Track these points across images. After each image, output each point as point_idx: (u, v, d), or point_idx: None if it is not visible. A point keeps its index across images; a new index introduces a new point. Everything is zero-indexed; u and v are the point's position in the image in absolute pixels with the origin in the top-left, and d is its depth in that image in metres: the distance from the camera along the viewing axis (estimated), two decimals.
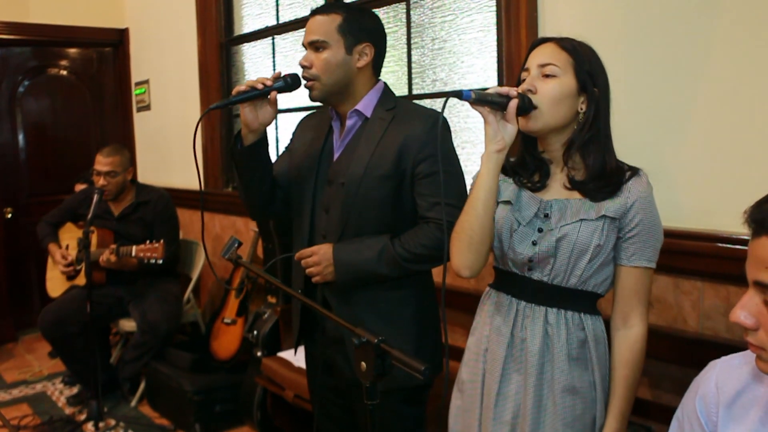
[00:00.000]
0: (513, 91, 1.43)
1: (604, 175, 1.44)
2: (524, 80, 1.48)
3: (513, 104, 1.41)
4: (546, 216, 1.49)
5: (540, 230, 1.48)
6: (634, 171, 1.47)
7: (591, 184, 1.45)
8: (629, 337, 1.47)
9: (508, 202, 1.54)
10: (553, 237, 1.46)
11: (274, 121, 1.81)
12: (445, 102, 1.38)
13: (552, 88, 1.44)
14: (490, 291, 1.63)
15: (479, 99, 1.41)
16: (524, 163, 1.56)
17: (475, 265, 1.52)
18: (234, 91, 1.73)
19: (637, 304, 1.47)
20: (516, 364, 1.52)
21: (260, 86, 1.72)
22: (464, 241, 1.50)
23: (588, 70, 1.45)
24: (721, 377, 1.14)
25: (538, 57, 1.47)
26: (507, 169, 1.58)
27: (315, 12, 1.82)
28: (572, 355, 1.47)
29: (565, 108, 1.45)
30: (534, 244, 1.49)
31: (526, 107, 1.43)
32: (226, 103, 1.75)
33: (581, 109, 1.46)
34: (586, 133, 1.45)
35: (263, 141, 1.81)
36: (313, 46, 1.79)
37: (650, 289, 1.50)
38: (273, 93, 1.74)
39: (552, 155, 1.52)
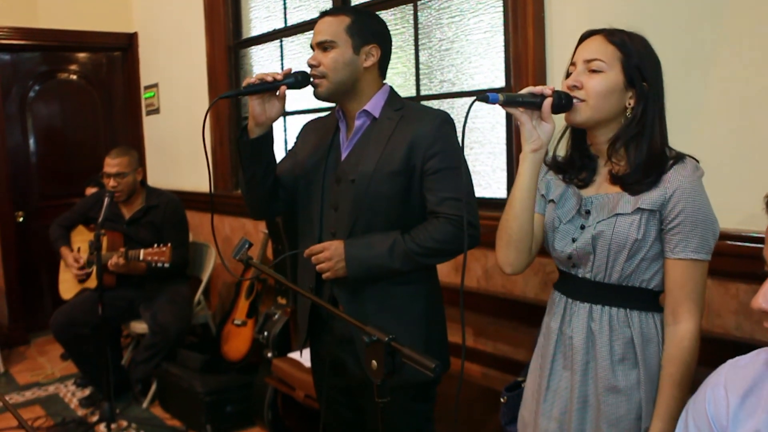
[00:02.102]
0: (547, 89, 1.40)
1: (644, 168, 1.39)
2: (571, 74, 1.45)
3: (547, 102, 1.38)
4: (588, 213, 1.47)
5: (582, 227, 1.47)
6: (679, 158, 1.40)
7: (632, 177, 1.41)
8: (677, 333, 1.39)
9: (553, 201, 1.53)
10: (589, 234, 1.44)
11: (281, 118, 1.82)
12: (470, 106, 1.35)
13: (598, 83, 1.40)
14: (552, 290, 1.62)
15: (509, 101, 1.39)
16: (572, 160, 1.53)
17: (516, 262, 1.52)
18: (244, 83, 1.77)
19: (685, 298, 1.39)
20: (564, 361, 1.51)
21: (270, 79, 1.75)
22: (504, 239, 1.51)
23: (637, 64, 1.40)
24: (729, 378, 1.14)
25: (584, 51, 1.43)
26: (557, 167, 1.56)
27: (324, 14, 1.86)
28: (616, 352, 1.43)
29: (612, 102, 1.41)
30: (573, 241, 1.47)
31: (562, 104, 1.40)
32: (236, 93, 1.81)
33: (629, 104, 1.42)
34: (633, 129, 1.41)
35: (268, 136, 1.83)
36: (321, 46, 1.81)
37: (702, 284, 1.41)
38: (282, 88, 1.76)
39: (598, 149, 1.49)
